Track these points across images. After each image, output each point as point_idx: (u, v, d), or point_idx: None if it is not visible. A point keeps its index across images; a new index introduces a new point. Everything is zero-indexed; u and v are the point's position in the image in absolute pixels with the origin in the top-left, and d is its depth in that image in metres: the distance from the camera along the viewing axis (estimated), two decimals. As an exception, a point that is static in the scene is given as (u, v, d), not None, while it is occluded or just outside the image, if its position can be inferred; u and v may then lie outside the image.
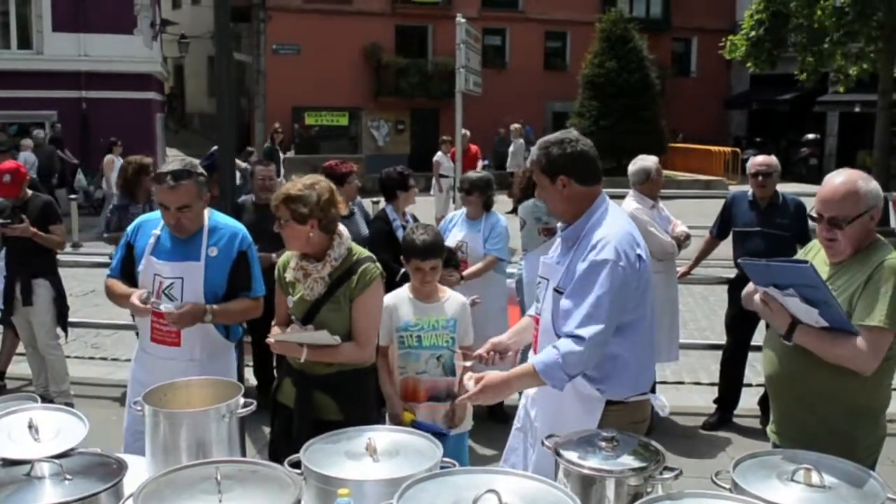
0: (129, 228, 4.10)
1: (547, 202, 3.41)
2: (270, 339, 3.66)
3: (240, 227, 4.09)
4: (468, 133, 16.14)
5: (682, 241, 6.21)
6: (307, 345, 3.55)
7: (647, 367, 3.30)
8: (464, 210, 6.47)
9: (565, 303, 3.12)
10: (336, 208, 3.61)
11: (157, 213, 4.03)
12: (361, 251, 3.72)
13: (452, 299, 4.20)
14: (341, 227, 3.68)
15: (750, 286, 3.36)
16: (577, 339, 3.00)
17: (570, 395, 3.15)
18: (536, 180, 3.34)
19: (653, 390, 3.39)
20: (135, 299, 3.79)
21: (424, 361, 4.09)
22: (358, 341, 3.60)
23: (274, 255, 5.25)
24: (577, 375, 3.05)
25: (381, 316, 3.82)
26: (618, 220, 3.19)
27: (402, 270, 5.98)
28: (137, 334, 4.39)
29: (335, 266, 3.60)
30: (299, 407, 3.43)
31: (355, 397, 3.65)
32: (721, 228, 6.41)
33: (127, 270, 4.02)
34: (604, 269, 3.02)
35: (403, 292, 4.21)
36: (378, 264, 3.69)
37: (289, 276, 3.67)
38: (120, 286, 4.00)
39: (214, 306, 3.86)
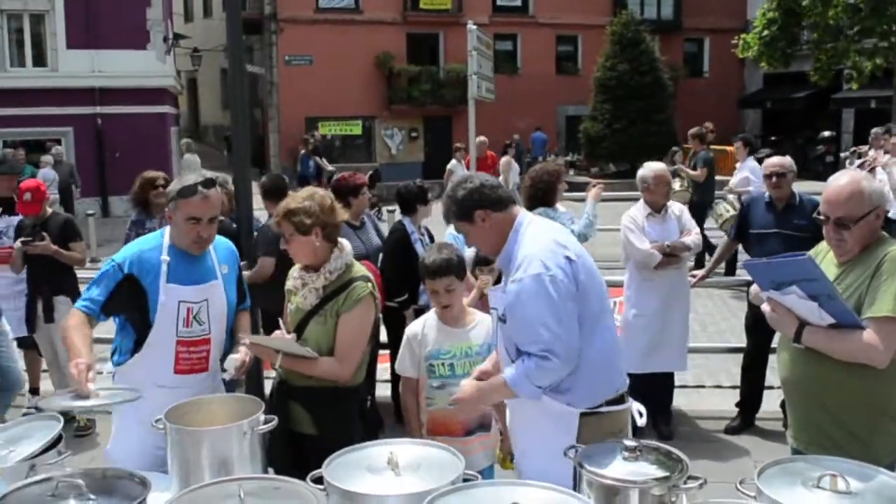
0: (123, 259, 3.63)
1: (476, 244, 3.44)
2: (246, 340, 3.65)
3: (229, 241, 4.02)
4: (486, 140, 16.09)
5: (673, 250, 5.99)
6: (283, 352, 3.54)
7: (614, 372, 3.25)
8: None
9: (511, 325, 3.13)
10: (336, 215, 3.63)
11: (151, 239, 3.79)
12: (359, 269, 3.69)
13: (481, 324, 4.00)
14: (343, 242, 3.68)
15: (755, 285, 3.38)
16: (541, 357, 3.00)
17: (542, 415, 3.15)
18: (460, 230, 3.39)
19: (630, 397, 3.38)
20: (81, 368, 3.09)
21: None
22: (337, 357, 3.55)
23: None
24: (549, 386, 3.06)
25: (366, 336, 3.65)
26: (538, 232, 3.21)
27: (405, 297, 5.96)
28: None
29: (330, 279, 3.57)
30: (276, 416, 3.38)
31: (332, 414, 3.58)
32: (738, 231, 6.36)
33: (116, 306, 3.61)
34: (537, 283, 3.03)
35: (431, 318, 4.04)
36: (371, 284, 3.64)
37: (289, 284, 3.70)
38: (78, 331, 3.40)
39: (246, 339, 3.73)
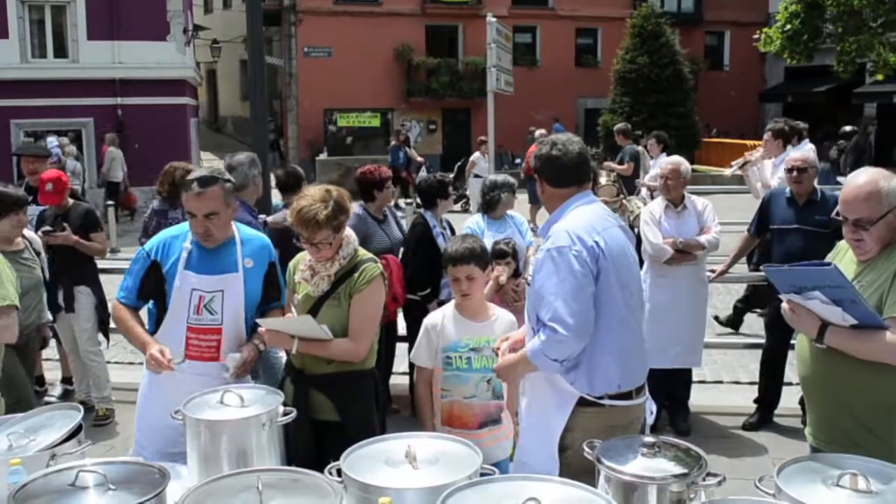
0: (151, 247, 3.86)
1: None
2: (261, 327, 3.69)
3: (266, 238, 4.09)
4: (542, 132, 15.95)
5: (686, 248, 5.96)
6: (299, 337, 3.57)
7: (628, 365, 3.28)
8: (479, 216, 6.32)
9: (532, 290, 3.25)
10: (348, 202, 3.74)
11: (181, 227, 3.92)
12: (365, 253, 3.79)
13: (501, 318, 4.03)
14: (348, 230, 3.74)
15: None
16: (552, 329, 3.09)
17: (548, 389, 3.25)
18: None
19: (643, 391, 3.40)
20: (157, 354, 3.55)
21: (474, 385, 3.90)
22: (351, 336, 3.61)
23: None
24: (567, 359, 3.14)
25: (379, 314, 3.74)
26: (581, 213, 3.30)
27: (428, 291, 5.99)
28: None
29: (343, 264, 3.66)
30: (296, 406, 3.33)
31: (352, 399, 3.65)
32: (759, 226, 6.30)
33: (147, 292, 3.85)
34: (559, 256, 3.14)
35: (450, 310, 4.06)
36: (379, 264, 3.74)
37: (297, 276, 3.75)
38: (134, 323, 3.80)
39: (262, 325, 3.76)
